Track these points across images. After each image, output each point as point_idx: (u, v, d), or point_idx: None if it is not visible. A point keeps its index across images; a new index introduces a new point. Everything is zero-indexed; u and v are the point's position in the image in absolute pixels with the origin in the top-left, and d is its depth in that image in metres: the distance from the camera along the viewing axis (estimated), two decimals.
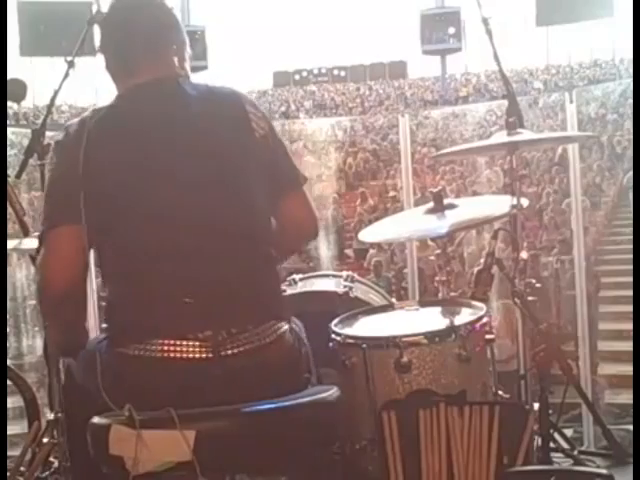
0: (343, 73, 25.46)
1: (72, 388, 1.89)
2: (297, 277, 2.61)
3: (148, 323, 1.69)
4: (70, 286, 1.72)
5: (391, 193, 12.22)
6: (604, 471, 2.16)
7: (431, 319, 2.23)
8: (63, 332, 1.86)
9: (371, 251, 10.41)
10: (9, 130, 3.15)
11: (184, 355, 1.66)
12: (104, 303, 1.82)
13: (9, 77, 2.84)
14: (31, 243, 2.45)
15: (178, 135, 1.74)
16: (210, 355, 1.67)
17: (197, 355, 1.67)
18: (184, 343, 1.67)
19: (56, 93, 2.64)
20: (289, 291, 2.51)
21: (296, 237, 1.97)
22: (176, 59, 1.86)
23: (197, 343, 1.67)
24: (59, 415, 2.59)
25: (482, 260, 2.61)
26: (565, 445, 2.69)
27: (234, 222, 1.74)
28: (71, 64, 2.58)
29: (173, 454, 1.53)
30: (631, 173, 9.72)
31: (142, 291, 1.71)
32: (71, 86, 2.60)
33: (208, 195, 1.72)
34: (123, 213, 1.70)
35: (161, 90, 1.79)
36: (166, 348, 1.66)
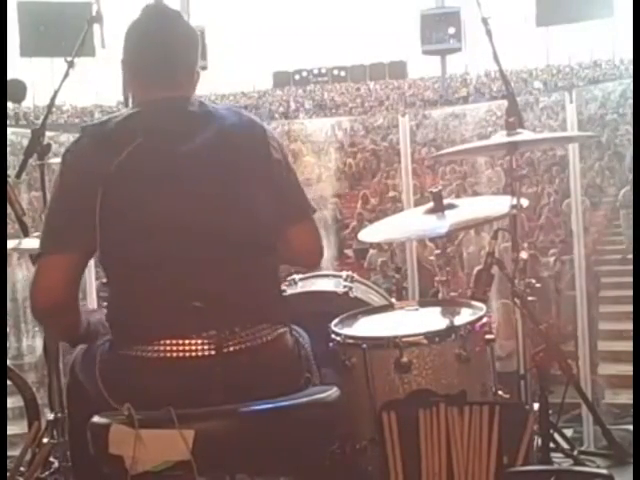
0: (343, 73, 25.45)
1: (75, 387, 1.90)
2: (297, 277, 2.61)
3: (151, 326, 1.70)
4: (57, 309, 1.73)
5: (391, 193, 12.21)
6: (604, 471, 2.16)
7: (431, 319, 2.23)
8: (60, 337, 2.05)
9: (371, 251, 10.40)
10: (9, 130, 3.15)
11: (187, 354, 1.68)
12: (105, 303, 1.83)
13: (9, 77, 2.84)
14: (31, 243, 2.45)
15: (192, 148, 1.75)
16: (213, 352, 1.68)
17: (200, 353, 1.68)
18: (187, 342, 1.68)
19: (56, 93, 2.64)
20: (289, 291, 2.51)
21: (295, 262, 2.02)
22: (196, 76, 1.91)
23: (199, 341, 1.68)
24: (59, 415, 2.59)
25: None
26: (565, 445, 2.69)
27: (238, 230, 1.75)
28: (71, 64, 2.59)
29: (172, 453, 1.53)
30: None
31: (146, 295, 1.71)
32: (71, 86, 2.60)
33: (214, 204, 1.74)
34: (130, 222, 1.71)
35: (184, 107, 1.81)
36: (169, 348, 1.68)
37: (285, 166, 1.88)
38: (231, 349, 1.69)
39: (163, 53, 1.83)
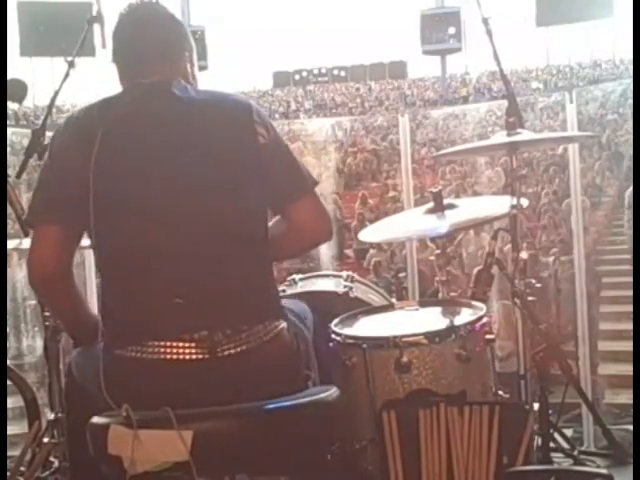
0: (343, 73, 25.42)
1: (73, 389, 1.90)
2: (297, 277, 2.61)
3: (144, 324, 1.69)
4: (49, 279, 1.77)
5: (391, 193, 12.21)
6: (604, 471, 2.16)
7: (431, 319, 2.23)
8: (62, 318, 2.08)
9: (371, 251, 10.40)
10: (9, 130, 3.15)
11: (180, 357, 1.67)
12: (100, 304, 1.83)
13: (9, 77, 2.84)
14: None
15: (179, 138, 1.75)
16: (207, 356, 1.67)
17: (194, 356, 1.67)
18: (180, 344, 1.67)
19: (56, 93, 2.63)
20: (289, 291, 2.51)
21: (306, 240, 1.95)
22: (188, 65, 1.90)
23: (193, 344, 1.67)
24: (59, 415, 2.59)
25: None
26: (565, 445, 2.69)
27: (229, 224, 1.74)
28: (71, 64, 2.58)
29: (171, 454, 1.53)
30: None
31: (137, 292, 1.71)
32: (71, 86, 2.60)
33: (204, 197, 1.72)
34: (120, 215, 1.71)
35: (168, 93, 1.79)
36: (162, 350, 1.67)
37: (274, 148, 1.82)
38: (226, 353, 1.68)
39: (138, 39, 1.84)
